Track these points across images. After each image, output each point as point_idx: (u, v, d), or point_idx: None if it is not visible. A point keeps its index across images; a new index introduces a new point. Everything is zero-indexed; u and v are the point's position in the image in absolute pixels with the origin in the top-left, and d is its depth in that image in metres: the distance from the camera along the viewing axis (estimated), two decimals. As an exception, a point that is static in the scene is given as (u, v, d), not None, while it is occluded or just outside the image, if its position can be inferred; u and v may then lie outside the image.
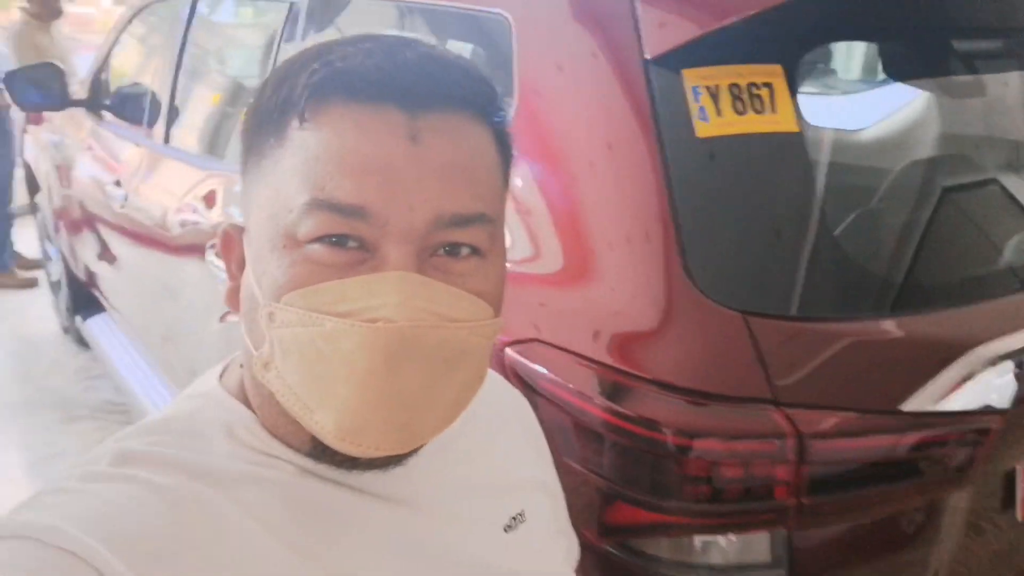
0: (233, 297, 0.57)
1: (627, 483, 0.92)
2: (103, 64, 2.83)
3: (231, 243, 0.57)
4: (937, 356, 1.00)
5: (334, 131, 0.49)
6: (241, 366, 0.58)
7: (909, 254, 1.08)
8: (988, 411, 1.00)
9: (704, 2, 1.07)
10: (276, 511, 0.53)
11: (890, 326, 1.02)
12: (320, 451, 0.53)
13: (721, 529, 0.93)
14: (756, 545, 0.94)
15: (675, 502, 0.91)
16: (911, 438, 0.97)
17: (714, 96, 1.03)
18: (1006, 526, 1.10)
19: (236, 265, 0.57)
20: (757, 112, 1.04)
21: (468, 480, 0.62)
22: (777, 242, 1.02)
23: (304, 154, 0.50)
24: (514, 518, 0.64)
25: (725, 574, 0.94)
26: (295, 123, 0.50)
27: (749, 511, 0.93)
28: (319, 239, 0.49)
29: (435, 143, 0.50)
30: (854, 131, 1.39)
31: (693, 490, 0.90)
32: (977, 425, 1.00)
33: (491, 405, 0.67)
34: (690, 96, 1.03)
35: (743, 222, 1.02)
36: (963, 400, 0.98)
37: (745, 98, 1.04)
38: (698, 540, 0.94)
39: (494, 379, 0.69)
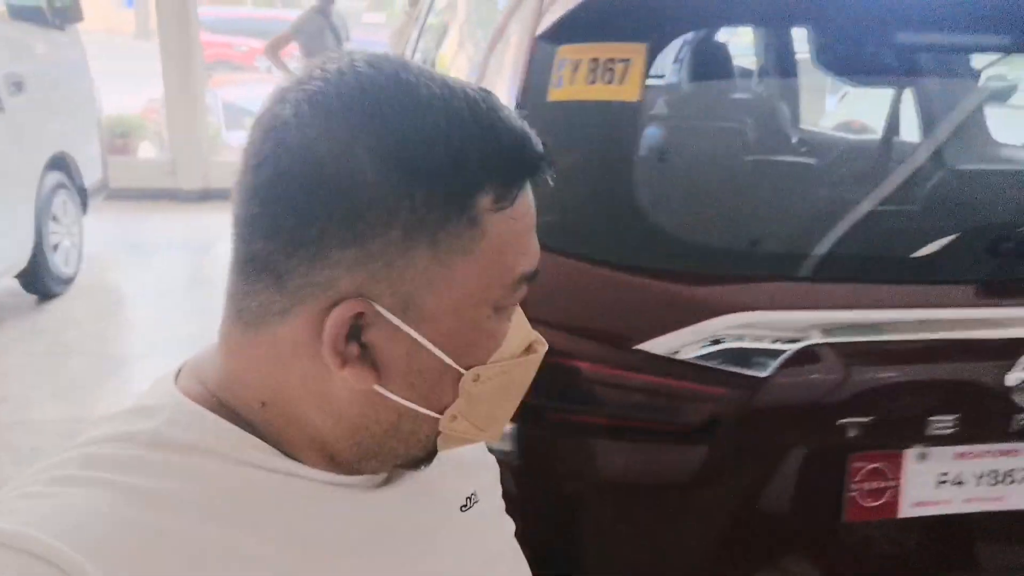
0: (368, 373, 0.53)
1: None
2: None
3: (344, 323, 0.52)
4: (689, 314, 1.13)
5: (522, 209, 0.54)
6: (264, 405, 0.56)
7: (704, 217, 1.16)
8: (729, 377, 1.11)
9: None
10: (255, 514, 0.54)
11: (654, 279, 1.16)
12: (428, 458, 0.61)
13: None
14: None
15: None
16: (641, 376, 1.13)
17: (574, 67, 1.25)
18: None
19: (345, 338, 0.52)
20: (607, 83, 1.23)
21: (436, 465, 0.65)
22: (588, 193, 1.22)
23: (507, 235, 0.53)
24: (468, 498, 0.68)
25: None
26: (487, 203, 0.51)
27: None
28: (512, 306, 0.57)
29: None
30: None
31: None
32: (706, 386, 1.11)
33: None
34: (555, 67, 1.26)
35: (565, 173, 1.24)
36: (692, 354, 1.11)
37: (600, 71, 1.24)
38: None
39: None
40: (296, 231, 0.50)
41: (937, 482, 1.24)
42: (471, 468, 0.71)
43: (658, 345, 1.11)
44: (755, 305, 1.10)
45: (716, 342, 1.11)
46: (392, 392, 0.54)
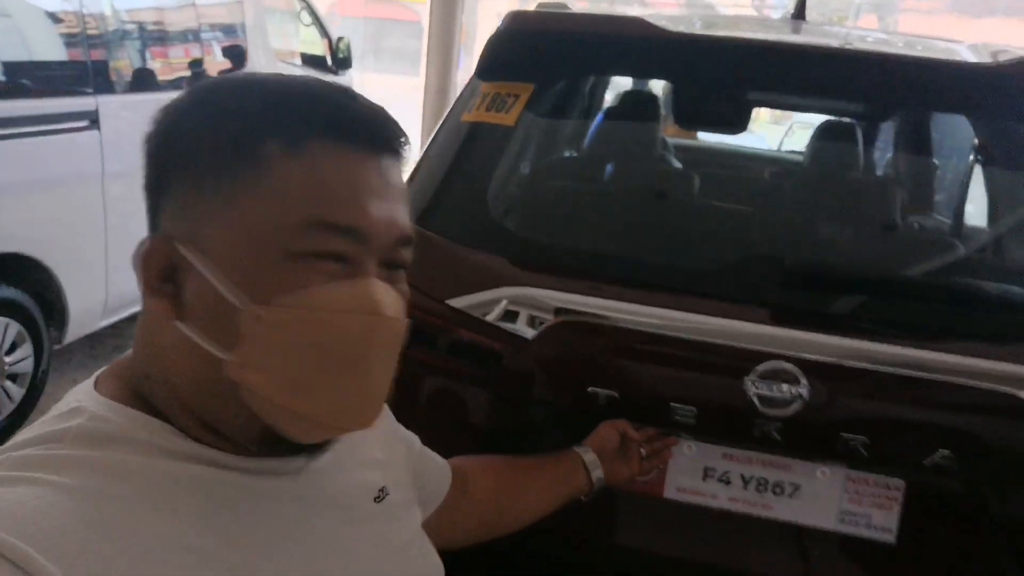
0: (165, 304, 0.58)
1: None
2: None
3: (155, 254, 0.58)
4: (487, 282, 1.45)
5: (325, 162, 0.56)
6: (148, 376, 0.60)
7: (524, 214, 1.45)
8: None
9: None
10: (187, 503, 0.55)
11: (473, 252, 1.49)
12: (269, 441, 0.59)
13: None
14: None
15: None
16: (446, 325, 1.48)
17: (483, 98, 1.64)
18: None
19: (158, 275, 0.58)
20: (496, 111, 1.61)
21: (345, 460, 0.68)
22: (460, 188, 1.59)
23: (295, 179, 0.56)
24: (381, 490, 0.71)
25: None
26: (274, 148, 0.56)
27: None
28: (313, 254, 0.56)
29: (394, 179, 0.61)
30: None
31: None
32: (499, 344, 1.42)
33: None
34: (475, 97, 1.66)
35: (460, 175, 1.63)
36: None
37: (496, 102, 1.62)
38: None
39: None
40: (147, 195, 0.61)
41: (704, 474, 1.40)
42: (382, 467, 0.75)
43: (460, 302, 1.45)
44: (535, 284, 1.39)
45: (500, 307, 1.42)
46: (190, 329, 0.57)
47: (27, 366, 3.21)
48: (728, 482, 1.39)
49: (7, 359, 3.12)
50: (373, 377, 0.59)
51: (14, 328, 3.12)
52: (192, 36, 3.93)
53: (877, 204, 1.94)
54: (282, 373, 0.56)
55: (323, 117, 0.58)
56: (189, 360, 0.58)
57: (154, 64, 3.77)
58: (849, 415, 1.29)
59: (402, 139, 0.62)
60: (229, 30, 4.21)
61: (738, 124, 1.88)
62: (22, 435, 0.57)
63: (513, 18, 1.56)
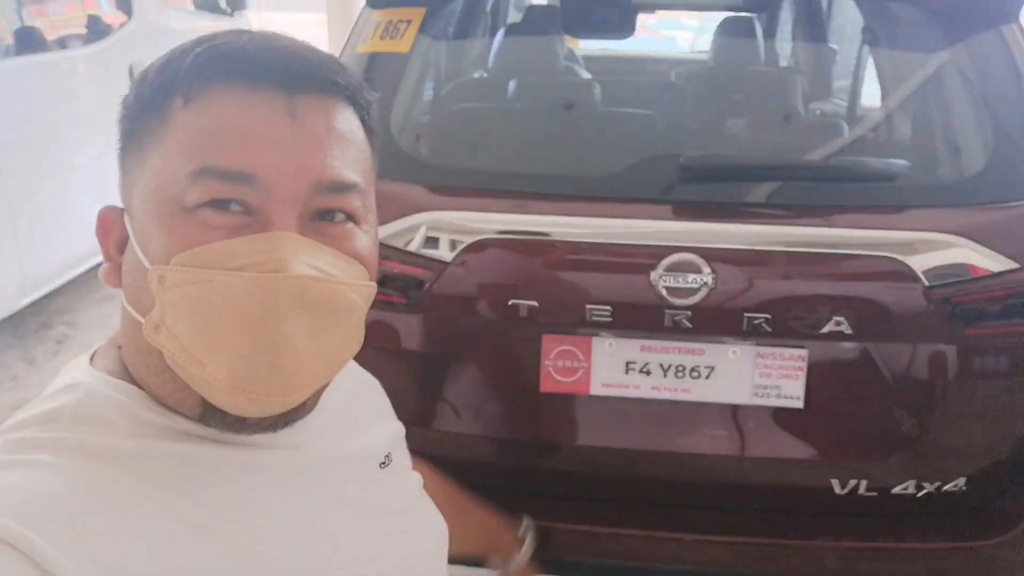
0: (113, 274, 0.59)
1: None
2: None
3: (109, 225, 0.59)
4: (405, 210, 1.48)
5: (218, 107, 0.54)
6: (120, 347, 0.60)
7: (435, 142, 1.48)
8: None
9: None
10: (182, 480, 0.55)
11: (389, 184, 1.52)
12: (210, 413, 0.56)
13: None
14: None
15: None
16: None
17: (375, 27, 1.64)
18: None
19: (115, 245, 0.59)
20: (391, 39, 1.61)
21: (346, 430, 0.68)
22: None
23: (189, 129, 0.54)
24: (387, 455, 0.73)
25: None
26: (178, 103, 0.55)
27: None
28: (206, 204, 0.53)
29: (312, 119, 0.55)
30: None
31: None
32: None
33: (354, 378, 0.79)
34: (368, 27, 1.65)
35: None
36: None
37: (389, 30, 1.62)
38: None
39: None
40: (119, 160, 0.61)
41: (626, 368, 1.48)
42: (386, 436, 0.77)
43: (380, 232, 1.48)
44: (451, 208, 1.43)
45: (420, 233, 1.46)
46: (124, 298, 0.58)
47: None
48: (649, 372, 1.48)
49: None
50: (285, 342, 0.53)
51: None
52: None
53: (775, 95, 2.02)
54: (189, 336, 0.53)
55: (219, 63, 0.55)
56: (127, 328, 0.59)
57: (36, 22, 3.59)
58: (751, 295, 1.39)
59: (327, 77, 0.57)
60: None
61: (624, 29, 1.91)
62: (21, 413, 0.56)
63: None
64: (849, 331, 1.39)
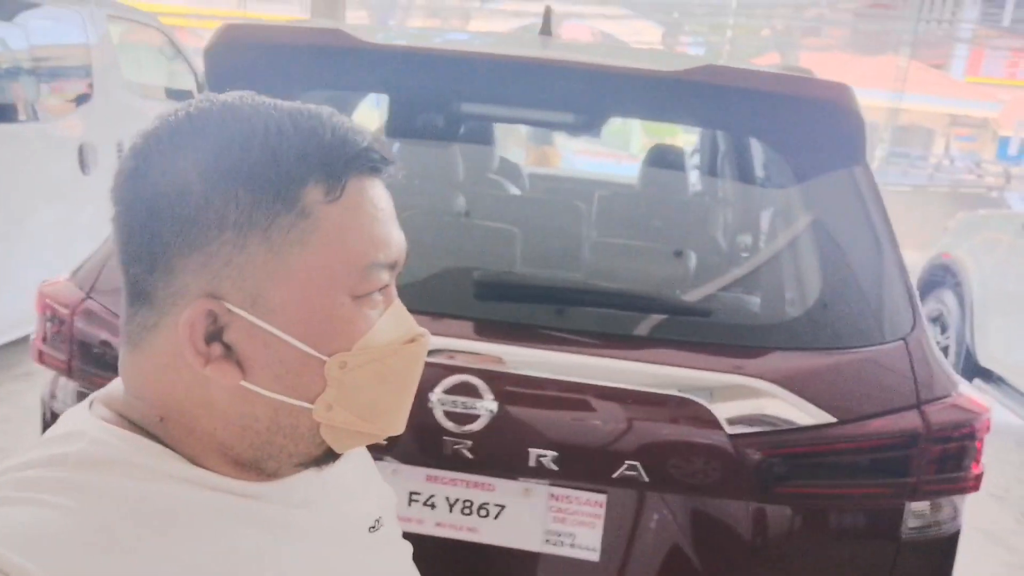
0: (232, 369, 0.57)
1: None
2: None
3: (201, 317, 0.56)
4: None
5: (358, 201, 0.58)
6: (164, 419, 0.59)
7: None
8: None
9: None
10: (186, 526, 0.56)
11: None
12: (313, 461, 0.62)
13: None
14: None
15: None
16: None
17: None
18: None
19: (204, 337, 0.56)
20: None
21: (344, 488, 0.69)
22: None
23: (341, 226, 0.57)
24: (377, 520, 0.73)
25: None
26: (316, 196, 0.56)
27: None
28: (369, 293, 0.59)
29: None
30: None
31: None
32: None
33: None
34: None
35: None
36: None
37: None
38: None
39: None
40: (147, 250, 0.56)
41: (409, 500, 1.33)
42: (375, 497, 0.77)
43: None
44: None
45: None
46: (259, 386, 0.57)
47: None
48: (433, 506, 1.33)
49: None
50: (413, 390, 0.65)
51: None
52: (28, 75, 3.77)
53: (677, 227, 1.95)
54: (364, 405, 0.60)
55: (348, 154, 0.58)
56: (249, 410, 0.58)
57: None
58: (538, 428, 1.25)
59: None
60: (72, 71, 4.07)
61: (448, 136, 1.85)
62: (22, 456, 0.57)
63: (224, 30, 1.50)
64: (645, 478, 1.24)
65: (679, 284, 1.49)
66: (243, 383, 0.57)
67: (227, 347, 0.57)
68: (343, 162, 0.57)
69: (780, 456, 1.25)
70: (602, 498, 1.29)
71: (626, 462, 1.23)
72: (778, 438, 1.24)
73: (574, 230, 1.95)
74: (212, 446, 0.59)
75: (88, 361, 1.41)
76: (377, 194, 0.60)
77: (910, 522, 1.32)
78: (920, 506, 1.32)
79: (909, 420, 1.29)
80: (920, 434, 1.29)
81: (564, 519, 1.30)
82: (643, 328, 1.32)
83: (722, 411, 1.23)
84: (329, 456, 0.62)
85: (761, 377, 1.25)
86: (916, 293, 1.44)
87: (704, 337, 1.32)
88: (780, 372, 1.26)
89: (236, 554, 0.58)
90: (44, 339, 1.44)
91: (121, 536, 0.53)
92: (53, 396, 1.47)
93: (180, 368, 0.57)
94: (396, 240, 0.61)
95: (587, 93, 1.37)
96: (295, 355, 0.57)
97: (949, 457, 1.35)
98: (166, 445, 0.59)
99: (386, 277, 0.60)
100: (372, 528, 0.72)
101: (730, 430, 1.22)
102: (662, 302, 1.35)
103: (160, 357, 0.58)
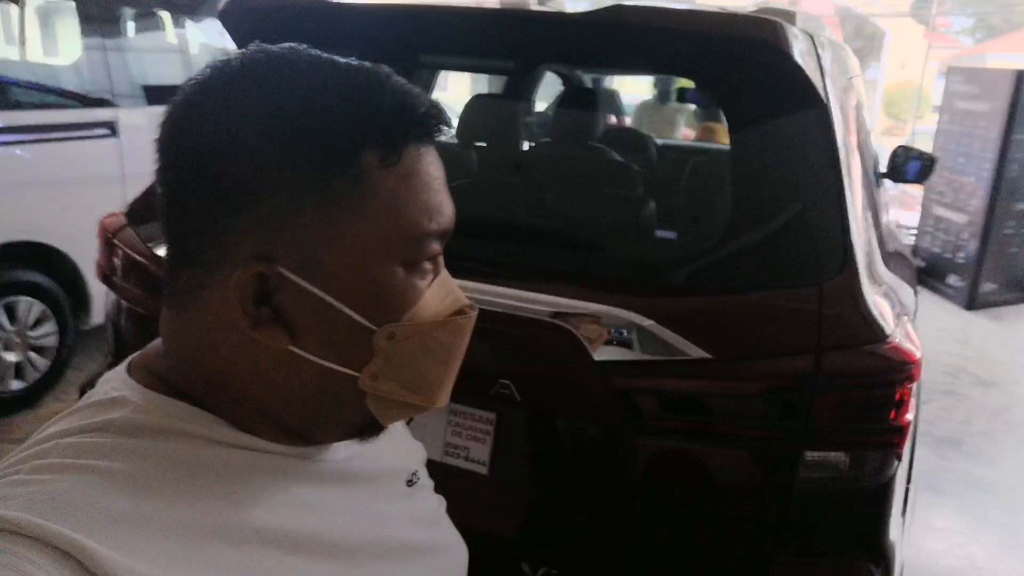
0: (281, 333, 0.55)
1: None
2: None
3: (251, 280, 0.54)
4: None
5: (415, 169, 0.56)
6: (211, 383, 0.58)
7: None
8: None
9: None
10: (236, 487, 0.55)
11: None
12: (358, 431, 0.61)
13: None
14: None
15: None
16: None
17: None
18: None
19: (254, 300, 0.54)
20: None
21: (380, 444, 0.67)
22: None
23: (396, 195, 0.55)
24: (413, 474, 0.74)
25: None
26: (372, 162, 0.54)
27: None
28: (421, 263, 0.57)
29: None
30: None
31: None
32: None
33: None
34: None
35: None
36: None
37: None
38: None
39: None
40: (195, 208, 0.54)
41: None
42: (409, 452, 0.77)
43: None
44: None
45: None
46: (307, 352, 0.56)
47: (52, 341, 3.74)
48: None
49: (32, 333, 3.66)
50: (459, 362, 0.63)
51: (38, 307, 3.66)
52: None
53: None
54: (410, 376, 0.59)
55: (407, 120, 0.56)
56: (295, 376, 0.57)
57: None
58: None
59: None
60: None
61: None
62: (64, 423, 0.56)
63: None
64: (518, 397, 1.32)
65: (580, 221, 1.51)
66: (292, 348, 0.55)
67: (275, 311, 0.55)
68: (402, 128, 0.55)
69: (649, 389, 1.27)
70: (492, 416, 1.38)
71: (499, 381, 1.32)
72: (646, 369, 1.26)
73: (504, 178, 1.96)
74: (259, 413, 0.58)
75: (126, 278, 1.74)
76: (431, 161, 0.58)
77: (808, 472, 1.27)
78: (819, 455, 1.27)
79: (799, 365, 1.24)
80: (812, 380, 1.24)
81: (460, 433, 1.41)
82: (538, 259, 1.39)
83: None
84: (373, 427, 0.61)
85: (639, 312, 1.27)
86: (859, 238, 1.36)
87: (600, 271, 1.36)
88: (663, 309, 1.28)
89: (295, 506, 0.58)
90: (101, 259, 1.80)
91: (171, 499, 0.52)
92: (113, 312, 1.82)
93: (227, 330, 0.55)
94: (448, 209, 0.59)
95: (508, 39, 1.44)
96: (345, 323, 0.55)
97: (858, 406, 1.28)
98: (211, 410, 0.57)
99: (437, 247, 0.58)
100: (410, 482, 0.73)
101: (596, 356, 1.26)
102: (556, 234, 1.40)
103: (208, 317, 0.56)
